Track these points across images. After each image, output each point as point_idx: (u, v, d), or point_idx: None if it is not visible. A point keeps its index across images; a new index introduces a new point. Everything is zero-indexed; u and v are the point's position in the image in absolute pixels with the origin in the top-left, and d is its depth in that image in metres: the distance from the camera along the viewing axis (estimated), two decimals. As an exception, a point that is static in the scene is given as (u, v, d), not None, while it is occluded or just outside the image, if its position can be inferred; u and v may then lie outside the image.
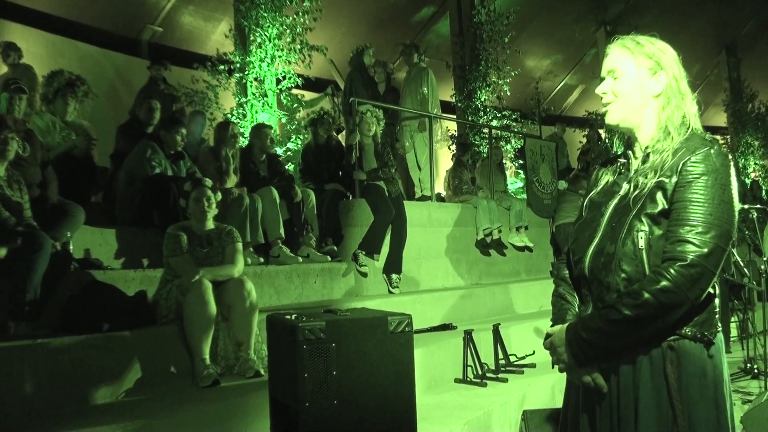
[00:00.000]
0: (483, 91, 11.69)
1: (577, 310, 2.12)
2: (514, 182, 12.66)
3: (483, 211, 8.24)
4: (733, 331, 7.96)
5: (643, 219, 1.89)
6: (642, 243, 1.88)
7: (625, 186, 2.01)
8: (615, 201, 2.01)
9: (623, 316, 1.83)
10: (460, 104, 11.82)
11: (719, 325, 1.94)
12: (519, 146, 11.52)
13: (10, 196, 4.28)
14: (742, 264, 5.92)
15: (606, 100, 2.04)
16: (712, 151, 1.87)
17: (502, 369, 5.33)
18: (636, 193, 1.94)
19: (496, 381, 5.08)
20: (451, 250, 7.80)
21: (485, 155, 10.25)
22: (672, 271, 1.79)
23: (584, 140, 12.80)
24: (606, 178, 2.12)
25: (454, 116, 11.89)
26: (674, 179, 1.87)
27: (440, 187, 10.11)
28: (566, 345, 1.95)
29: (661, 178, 1.90)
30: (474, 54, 11.80)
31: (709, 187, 1.83)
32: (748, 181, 16.10)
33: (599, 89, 2.05)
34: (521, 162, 11.15)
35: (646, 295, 1.80)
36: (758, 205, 6.96)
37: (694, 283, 1.79)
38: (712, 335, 1.89)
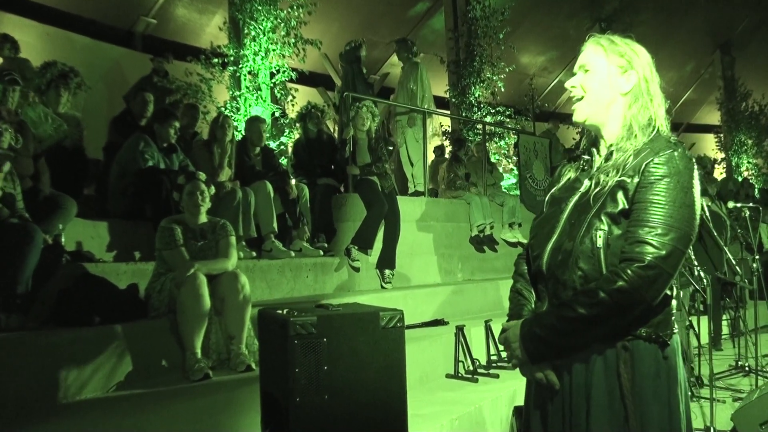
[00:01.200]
0: (477, 86, 11.69)
1: (533, 306, 2.12)
2: (508, 178, 12.65)
3: (476, 207, 8.25)
4: (725, 329, 8.01)
5: (603, 218, 1.89)
6: (600, 242, 1.87)
7: (586, 183, 2.00)
8: (575, 198, 2.00)
9: (578, 315, 1.83)
10: (454, 100, 11.82)
11: (675, 326, 1.95)
12: (513, 142, 11.52)
13: (2, 188, 4.25)
14: (734, 262, 5.94)
15: (575, 93, 2.03)
16: (675, 153, 1.86)
17: (494, 365, 5.35)
18: (596, 190, 1.93)
19: (488, 377, 5.10)
20: (444, 245, 7.80)
21: (476, 152, 10.24)
22: (629, 271, 1.79)
23: (577, 137, 12.80)
24: (569, 174, 2.12)
25: (448, 112, 11.89)
26: (636, 179, 1.87)
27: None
28: (520, 340, 1.95)
29: (622, 178, 1.89)
30: (468, 50, 11.81)
31: (671, 189, 1.83)
32: (740, 179, 16.14)
33: (568, 83, 2.06)
34: (515, 158, 11.15)
35: (602, 294, 1.80)
36: (750, 204, 6.99)
37: (650, 284, 1.78)
38: (667, 336, 1.90)
